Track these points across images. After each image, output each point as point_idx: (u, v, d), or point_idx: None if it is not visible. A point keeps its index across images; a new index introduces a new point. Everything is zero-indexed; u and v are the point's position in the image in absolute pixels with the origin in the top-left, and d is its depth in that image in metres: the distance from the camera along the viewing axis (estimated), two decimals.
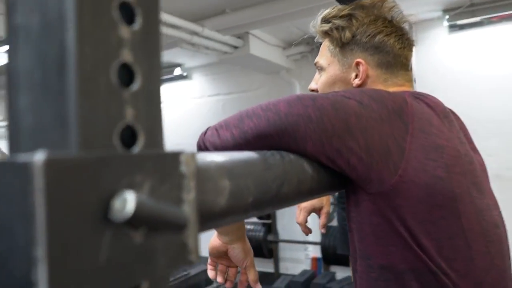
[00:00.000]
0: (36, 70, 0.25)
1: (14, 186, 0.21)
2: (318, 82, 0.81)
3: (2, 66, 3.23)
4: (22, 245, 0.21)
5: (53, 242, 0.21)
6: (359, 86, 0.74)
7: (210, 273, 0.75)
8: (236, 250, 0.71)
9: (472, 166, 0.63)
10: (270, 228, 4.30)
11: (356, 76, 0.75)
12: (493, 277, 0.59)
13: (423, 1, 3.14)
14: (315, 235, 3.81)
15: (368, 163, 0.55)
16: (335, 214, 3.85)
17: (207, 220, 0.35)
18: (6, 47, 0.26)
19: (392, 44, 0.74)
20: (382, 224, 0.59)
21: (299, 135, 0.54)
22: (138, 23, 0.27)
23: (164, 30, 2.99)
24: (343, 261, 3.57)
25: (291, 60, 4.22)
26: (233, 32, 3.35)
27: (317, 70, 0.83)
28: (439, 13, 3.39)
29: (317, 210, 0.96)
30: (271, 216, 4.21)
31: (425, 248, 0.57)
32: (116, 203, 0.24)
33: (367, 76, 0.74)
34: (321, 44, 0.83)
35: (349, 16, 0.77)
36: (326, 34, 0.80)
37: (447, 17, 3.32)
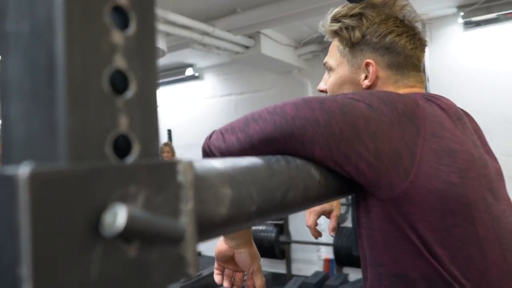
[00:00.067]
0: (26, 79, 0.24)
1: (1, 200, 0.21)
2: (327, 82, 0.80)
3: None
4: (8, 263, 0.20)
5: (38, 260, 0.20)
6: (369, 87, 0.72)
7: (217, 278, 0.74)
8: (243, 255, 0.70)
9: (486, 170, 0.60)
10: (282, 229, 4.28)
11: (366, 77, 0.73)
12: (509, 286, 0.57)
13: None
14: (328, 236, 3.78)
15: (377, 168, 0.53)
16: (348, 215, 3.81)
17: (207, 230, 0.34)
18: None
19: (403, 45, 0.72)
20: (392, 231, 0.57)
21: (306, 139, 0.52)
22: (132, 28, 0.26)
23: (175, 30, 2.99)
24: (356, 263, 3.53)
25: (302, 59, 4.19)
26: (244, 32, 3.34)
27: (326, 70, 0.81)
28: (454, 10, 3.32)
29: (327, 213, 0.94)
30: (283, 217, 4.19)
31: (438, 256, 0.55)
32: (107, 217, 0.23)
33: (377, 77, 0.72)
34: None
35: (359, 15, 0.75)
36: (335, 33, 0.78)
37: (462, 13, 3.26)
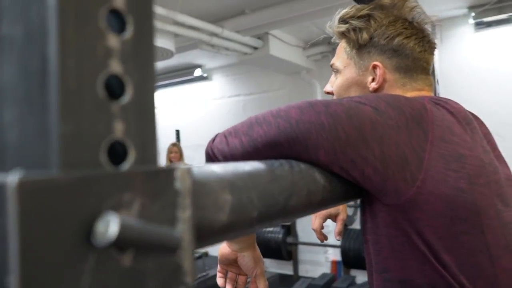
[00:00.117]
0: (20, 83, 0.24)
1: None
2: (333, 84, 0.79)
3: None
4: None
5: (27, 270, 0.19)
6: (376, 90, 0.71)
7: (219, 281, 0.73)
8: (246, 259, 0.69)
9: (496, 176, 0.59)
10: (290, 230, 4.27)
11: (373, 80, 0.72)
12: None
13: None
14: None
15: (383, 173, 0.52)
16: (356, 217, 3.78)
17: (206, 237, 0.33)
18: None
19: (412, 47, 0.70)
20: (399, 237, 0.56)
21: (310, 143, 0.51)
22: (129, 32, 0.26)
23: (184, 31, 3.00)
24: (363, 265, 3.50)
25: (311, 60, 4.17)
26: (252, 32, 3.34)
27: (333, 72, 0.80)
28: (465, 11, 3.28)
29: (333, 217, 0.93)
30: None
31: (445, 264, 0.53)
32: (99, 226, 0.22)
33: (384, 80, 0.71)
34: None
35: (367, 17, 0.74)
36: (342, 35, 0.77)
37: (473, 14, 3.22)
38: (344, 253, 3.72)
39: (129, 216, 0.24)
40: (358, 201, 0.66)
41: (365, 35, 0.72)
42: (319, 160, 0.52)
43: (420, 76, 0.72)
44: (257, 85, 4.68)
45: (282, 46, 3.71)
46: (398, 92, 0.70)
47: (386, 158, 0.52)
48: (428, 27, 0.76)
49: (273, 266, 4.48)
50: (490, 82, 3.31)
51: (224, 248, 0.71)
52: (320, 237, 0.93)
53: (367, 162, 0.52)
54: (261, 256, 0.72)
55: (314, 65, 4.20)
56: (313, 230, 0.92)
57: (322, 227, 0.94)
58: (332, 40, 0.81)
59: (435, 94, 0.87)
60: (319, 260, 4.30)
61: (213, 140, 0.57)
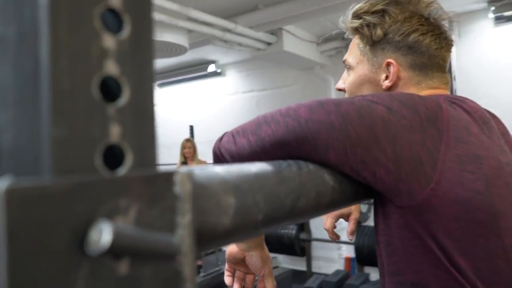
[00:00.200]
0: (14, 85, 0.23)
1: None
2: (345, 81, 0.77)
3: None
4: None
5: (15, 282, 0.19)
6: (389, 88, 0.69)
7: (227, 280, 0.72)
8: (254, 258, 0.68)
9: None
10: (303, 226, 4.25)
11: (386, 78, 0.70)
12: None
13: None
14: None
15: (396, 175, 0.51)
16: (370, 214, 3.75)
17: (209, 241, 0.32)
18: None
19: (428, 44, 0.68)
20: (412, 239, 0.54)
21: (320, 143, 0.50)
22: (126, 32, 0.25)
23: (197, 27, 3.00)
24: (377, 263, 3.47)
25: (325, 55, 4.13)
26: (266, 28, 3.32)
27: (345, 68, 0.78)
28: (484, 5, 3.20)
29: (345, 216, 0.91)
30: None
31: (461, 268, 0.52)
32: (93, 234, 0.21)
33: (398, 78, 0.69)
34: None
35: (382, 12, 0.71)
36: (356, 30, 0.74)
37: (492, 8, 3.13)
38: (358, 250, 3.69)
39: (125, 223, 0.23)
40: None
41: (379, 31, 0.70)
42: (329, 161, 0.50)
43: (436, 74, 0.70)
44: (271, 81, 4.66)
45: (296, 42, 3.68)
46: (412, 90, 0.68)
47: (399, 159, 0.50)
48: (445, 23, 0.73)
49: (286, 262, 4.48)
50: (510, 77, 3.22)
51: (232, 247, 0.70)
52: (333, 237, 0.92)
53: (379, 163, 0.50)
54: (270, 256, 0.71)
55: (328, 60, 4.16)
56: (325, 229, 0.91)
57: (335, 227, 0.93)
58: (345, 36, 0.79)
59: (451, 91, 0.84)
60: (332, 256, 4.27)
61: (221, 139, 0.56)
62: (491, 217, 0.52)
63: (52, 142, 0.21)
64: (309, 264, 4.39)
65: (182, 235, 0.27)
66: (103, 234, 0.21)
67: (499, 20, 3.20)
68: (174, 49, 3.30)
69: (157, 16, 2.66)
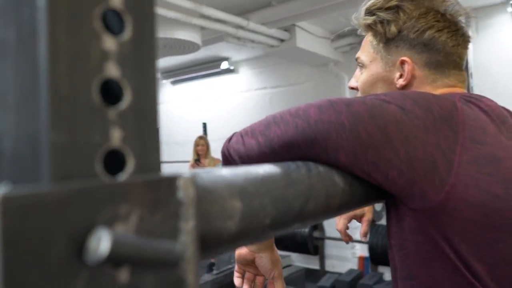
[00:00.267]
0: (13, 89, 0.23)
1: None
2: (358, 79, 0.75)
3: None
4: None
5: None
6: (404, 87, 0.67)
7: (237, 281, 0.72)
8: (264, 260, 0.67)
9: None
10: (316, 224, 4.23)
11: (401, 76, 0.68)
12: None
13: None
14: None
15: (409, 177, 0.49)
16: (384, 213, 3.70)
17: (214, 246, 0.32)
18: None
19: (444, 41, 0.66)
20: (426, 243, 0.53)
21: (330, 144, 0.48)
22: (127, 33, 0.24)
23: (210, 24, 2.99)
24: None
25: (339, 52, 4.09)
26: (279, 25, 3.29)
27: (358, 66, 0.76)
28: None
29: (358, 217, 0.90)
30: None
31: (477, 274, 0.50)
32: (91, 243, 0.21)
33: (413, 77, 0.67)
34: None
35: (396, 8, 0.69)
36: (369, 27, 0.73)
37: (511, 2, 3.05)
38: (371, 249, 3.66)
39: (125, 230, 0.23)
40: None
41: (393, 28, 0.68)
42: (339, 162, 0.49)
43: (452, 72, 0.67)
44: (284, 78, 4.63)
45: (309, 38, 3.65)
46: (427, 89, 0.66)
47: (412, 161, 0.49)
48: (462, 19, 0.71)
49: (299, 260, 4.47)
50: None
51: (242, 248, 0.70)
52: (345, 238, 0.90)
53: (391, 165, 0.49)
54: (280, 258, 0.70)
55: (342, 57, 4.11)
56: (338, 231, 0.90)
57: (347, 228, 0.92)
58: (358, 33, 0.77)
59: (468, 89, 0.82)
60: (346, 255, 4.25)
61: (230, 139, 0.55)
62: (509, 221, 0.50)
63: (51, 148, 0.21)
64: (322, 263, 4.37)
65: (185, 241, 0.26)
66: (102, 242, 0.20)
67: None
68: (187, 47, 3.31)
69: (170, 13, 2.66)
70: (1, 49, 0.23)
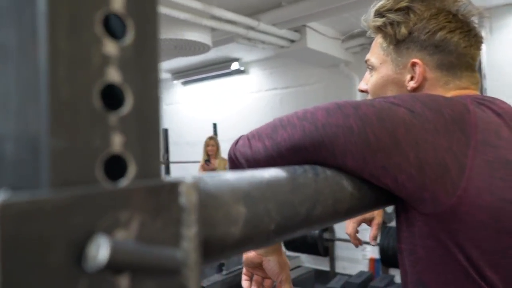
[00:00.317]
0: (16, 94, 0.23)
1: None
2: (368, 82, 0.74)
3: None
4: None
5: None
6: (415, 89, 0.66)
7: (245, 284, 0.71)
8: (271, 263, 0.67)
9: None
10: None
11: (412, 79, 0.66)
12: None
13: None
14: None
15: (420, 181, 0.48)
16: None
17: (217, 252, 0.31)
18: None
19: (456, 42, 0.64)
20: (437, 249, 0.51)
21: (337, 148, 0.48)
22: (129, 37, 0.24)
23: (220, 25, 3.00)
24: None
25: (350, 53, 4.06)
26: (289, 25, 3.28)
27: (367, 69, 0.75)
28: None
29: (368, 221, 0.89)
30: None
31: (490, 281, 0.49)
32: (91, 250, 0.21)
33: (424, 79, 0.65)
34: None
35: (406, 10, 0.68)
36: (379, 29, 0.72)
37: None
38: (382, 251, 3.62)
39: (126, 237, 0.22)
40: None
41: (403, 30, 0.67)
42: (347, 166, 0.48)
43: (465, 74, 0.66)
44: (294, 79, 4.62)
45: (320, 39, 3.63)
46: (439, 91, 0.65)
47: (422, 165, 0.48)
48: (475, 19, 0.69)
49: (309, 262, 4.45)
50: None
51: (250, 251, 0.69)
52: (355, 242, 0.89)
53: (401, 169, 0.48)
54: (287, 261, 0.69)
55: (353, 57, 4.09)
56: (347, 234, 0.89)
57: (357, 231, 0.91)
58: (367, 35, 0.76)
59: (481, 91, 0.80)
60: (356, 257, 4.21)
61: (236, 142, 0.55)
62: None
63: (50, 154, 0.21)
64: (332, 264, 4.34)
65: (187, 248, 0.26)
66: (101, 250, 0.20)
67: None
68: (198, 47, 3.32)
69: (180, 15, 2.67)
70: (3, 53, 0.23)
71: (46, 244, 0.19)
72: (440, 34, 0.65)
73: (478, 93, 0.67)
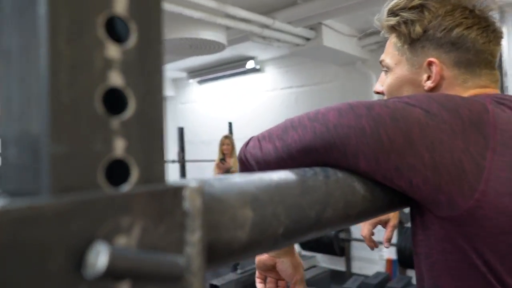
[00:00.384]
0: (19, 99, 0.23)
1: None
2: (384, 83, 0.72)
3: None
4: None
5: None
6: (432, 89, 0.64)
7: (259, 286, 0.71)
8: (285, 265, 0.66)
9: None
10: None
11: (428, 78, 0.64)
12: None
13: None
14: None
15: (435, 183, 0.47)
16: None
17: (223, 257, 0.31)
18: None
19: (474, 39, 0.62)
20: (454, 253, 0.50)
21: (349, 150, 0.47)
22: (132, 41, 0.24)
23: (235, 24, 3.00)
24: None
25: (366, 50, 4.01)
26: (305, 23, 3.26)
27: (382, 70, 0.74)
28: None
29: (383, 223, 0.87)
30: None
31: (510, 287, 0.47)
32: (90, 257, 0.20)
33: (441, 78, 0.63)
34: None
35: (420, 7, 0.66)
36: (392, 29, 0.70)
37: None
38: (400, 252, 3.57)
39: (127, 243, 0.22)
40: None
41: (418, 28, 0.65)
42: (359, 168, 0.47)
43: (484, 71, 0.64)
44: (310, 77, 4.59)
45: (336, 36, 3.59)
46: (458, 90, 0.63)
47: (438, 167, 0.47)
48: (493, 14, 0.67)
49: (325, 262, 4.42)
50: None
51: (261, 254, 0.69)
52: (370, 244, 0.88)
53: (415, 171, 0.47)
54: (301, 262, 0.68)
55: (369, 55, 4.03)
56: (362, 237, 0.87)
57: (372, 234, 0.89)
58: (381, 35, 0.74)
59: (502, 90, 0.78)
60: (373, 257, 4.17)
61: (247, 144, 0.54)
62: None
63: (50, 159, 0.21)
64: (348, 265, 4.31)
65: (191, 253, 0.26)
66: (100, 257, 0.20)
67: None
68: (213, 46, 3.32)
69: (195, 14, 2.68)
70: (5, 58, 0.23)
71: (45, 251, 0.19)
72: (456, 31, 0.63)
73: (498, 91, 0.64)
